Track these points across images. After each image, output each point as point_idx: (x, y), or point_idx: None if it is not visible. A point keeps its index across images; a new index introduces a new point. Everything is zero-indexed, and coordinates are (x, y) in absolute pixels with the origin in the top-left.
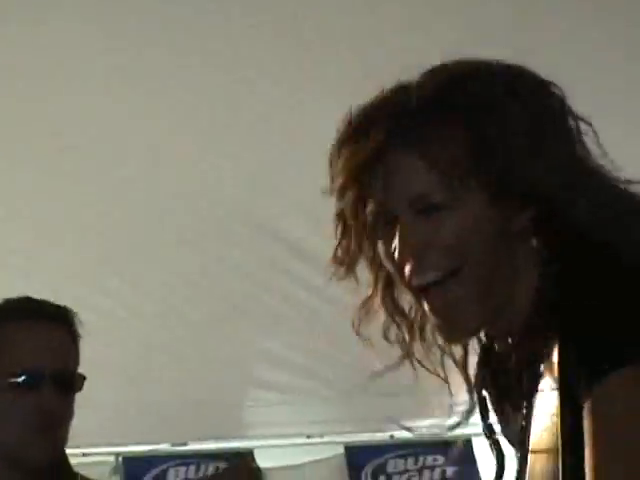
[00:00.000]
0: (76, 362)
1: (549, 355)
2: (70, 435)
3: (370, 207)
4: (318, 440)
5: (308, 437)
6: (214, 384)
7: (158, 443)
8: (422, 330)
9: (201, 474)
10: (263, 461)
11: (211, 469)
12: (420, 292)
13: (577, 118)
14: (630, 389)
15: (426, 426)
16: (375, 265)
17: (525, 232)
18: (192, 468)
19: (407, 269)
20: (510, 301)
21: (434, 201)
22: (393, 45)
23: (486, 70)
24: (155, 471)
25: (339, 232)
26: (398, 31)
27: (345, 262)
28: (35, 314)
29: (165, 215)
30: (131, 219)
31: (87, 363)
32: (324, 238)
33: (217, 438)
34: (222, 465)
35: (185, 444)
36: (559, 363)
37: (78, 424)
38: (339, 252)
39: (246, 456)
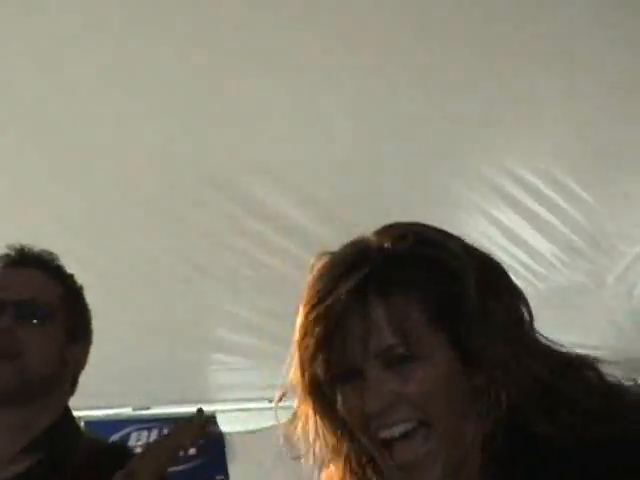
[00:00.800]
0: (50, 297)
1: None
2: None
3: (332, 364)
4: (280, 404)
5: (270, 401)
6: (176, 348)
7: (121, 407)
8: None
9: None
10: (225, 425)
11: None
12: (385, 445)
13: (521, 295)
14: None
15: None
16: (334, 433)
17: (481, 390)
18: (154, 432)
19: (373, 423)
20: (465, 454)
21: (401, 353)
22: None
23: (452, 241)
24: (118, 435)
25: (315, 404)
26: None
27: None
28: (13, 260)
29: (129, 177)
30: (93, 181)
31: None
32: (287, 199)
33: (179, 402)
34: None
35: (148, 408)
36: None
37: None
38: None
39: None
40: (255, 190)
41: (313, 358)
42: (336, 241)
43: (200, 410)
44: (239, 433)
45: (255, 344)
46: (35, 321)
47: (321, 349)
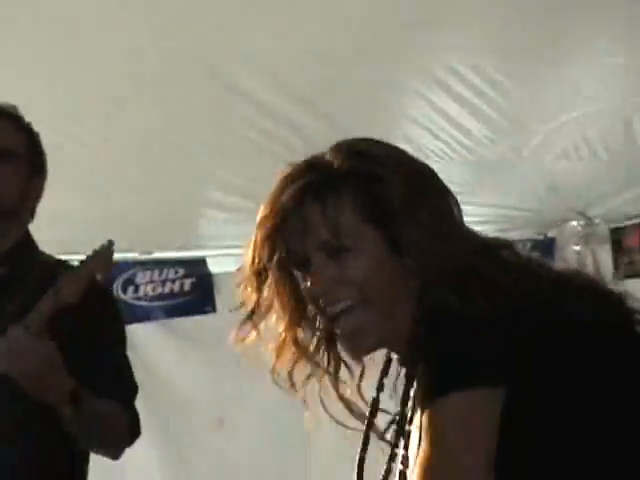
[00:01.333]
0: (16, 142)
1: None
2: (42, 245)
3: (286, 254)
4: None
5: None
6: (174, 205)
7: (128, 252)
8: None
9: (164, 277)
10: (215, 267)
11: (172, 273)
12: (331, 319)
13: (449, 194)
14: (453, 408)
15: None
16: (286, 308)
17: (410, 272)
18: (156, 272)
19: (321, 301)
20: (398, 326)
21: (336, 245)
22: None
23: (384, 151)
24: (126, 275)
25: (258, 283)
26: None
27: (262, 309)
28: None
29: (134, 62)
30: (97, 66)
31: (57, 179)
32: (265, 79)
33: (176, 249)
34: (180, 270)
35: (151, 253)
36: (417, 380)
37: (51, 235)
38: (258, 303)
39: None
40: (239, 76)
41: (262, 247)
42: (306, 120)
43: (109, 241)
44: (226, 273)
45: (240, 202)
46: (5, 161)
47: (267, 240)
